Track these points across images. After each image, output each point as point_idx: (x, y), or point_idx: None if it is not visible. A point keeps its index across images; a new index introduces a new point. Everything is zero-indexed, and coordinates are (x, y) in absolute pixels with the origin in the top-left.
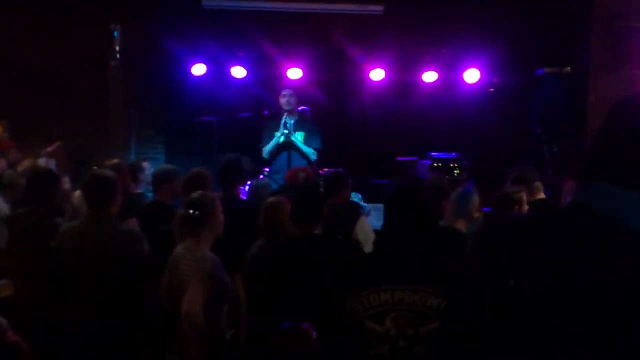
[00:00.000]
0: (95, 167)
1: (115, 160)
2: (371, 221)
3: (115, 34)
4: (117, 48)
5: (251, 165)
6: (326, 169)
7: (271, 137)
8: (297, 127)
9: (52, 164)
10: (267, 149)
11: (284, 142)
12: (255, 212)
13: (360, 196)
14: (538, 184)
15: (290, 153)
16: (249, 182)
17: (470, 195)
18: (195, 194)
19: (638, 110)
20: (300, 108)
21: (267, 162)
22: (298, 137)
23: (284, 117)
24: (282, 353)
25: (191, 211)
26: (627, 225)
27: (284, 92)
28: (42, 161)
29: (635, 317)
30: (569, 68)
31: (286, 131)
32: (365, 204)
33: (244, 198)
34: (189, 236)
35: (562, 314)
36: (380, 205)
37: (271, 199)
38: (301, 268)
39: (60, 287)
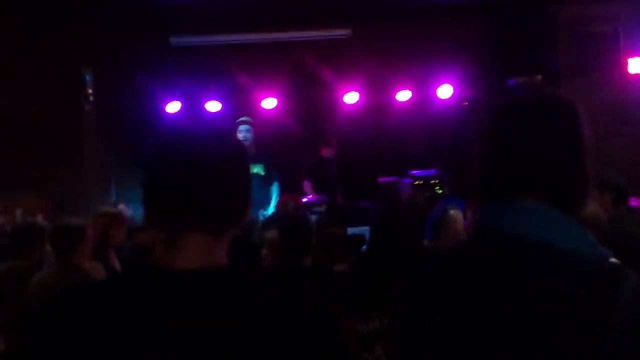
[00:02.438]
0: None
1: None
2: None
3: (87, 77)
4: (90, 91)
5: None
6: (310, 196)
7: None
8: (256, 160)
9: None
10: None
11: None
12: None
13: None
14: None
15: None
16: None
17: (447, 213)
18: None
19: (531, 113)
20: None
21: None
22: (258, 170)
23: None
24: None
25: None
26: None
27: (240, 127)
28: (18, 212)
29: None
30: (539, 77)
31: None
32: None
33: None
34: None
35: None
36: (365, 229)
37: (271, 233)
38: None
39: None
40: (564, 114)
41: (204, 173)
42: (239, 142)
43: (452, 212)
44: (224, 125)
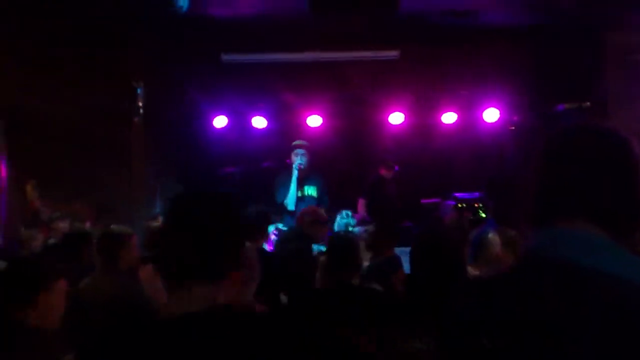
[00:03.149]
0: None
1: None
2: None
3: (138, 90)
4: (140, 104)
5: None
6: (359, 215)
7: (286, 189)
8: (310, 182)
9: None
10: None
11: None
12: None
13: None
14: None
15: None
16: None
17: (485, 238)
18: None
19: (586, 142)
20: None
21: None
22: (311, 192)
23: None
24: None
25: None
26: (599, 271)
27: (296, 151)
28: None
29: None
30: (588, 103)
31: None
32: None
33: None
34: None
35: None
36: (407, 249)
37: (323, 258)
38: (336, 319)
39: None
40: (620, 142)
41: (199, 237)
42: (234, 206)
43: (490, 235)
44: (225, 194)
